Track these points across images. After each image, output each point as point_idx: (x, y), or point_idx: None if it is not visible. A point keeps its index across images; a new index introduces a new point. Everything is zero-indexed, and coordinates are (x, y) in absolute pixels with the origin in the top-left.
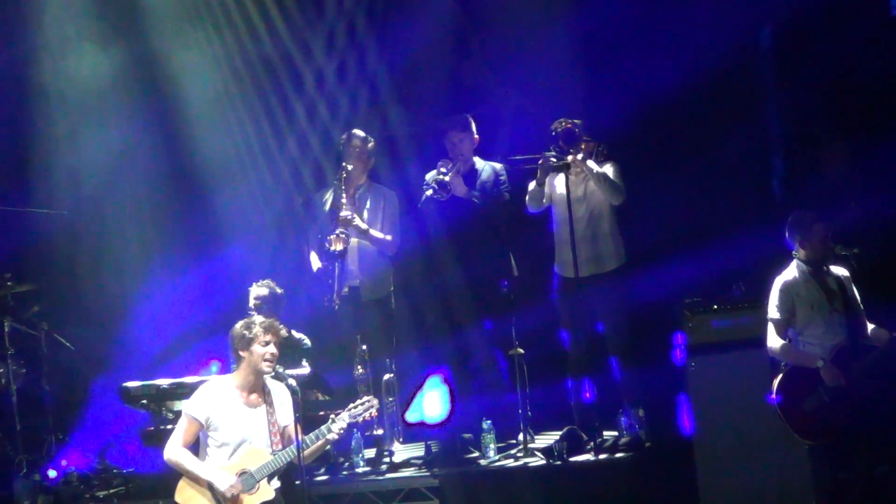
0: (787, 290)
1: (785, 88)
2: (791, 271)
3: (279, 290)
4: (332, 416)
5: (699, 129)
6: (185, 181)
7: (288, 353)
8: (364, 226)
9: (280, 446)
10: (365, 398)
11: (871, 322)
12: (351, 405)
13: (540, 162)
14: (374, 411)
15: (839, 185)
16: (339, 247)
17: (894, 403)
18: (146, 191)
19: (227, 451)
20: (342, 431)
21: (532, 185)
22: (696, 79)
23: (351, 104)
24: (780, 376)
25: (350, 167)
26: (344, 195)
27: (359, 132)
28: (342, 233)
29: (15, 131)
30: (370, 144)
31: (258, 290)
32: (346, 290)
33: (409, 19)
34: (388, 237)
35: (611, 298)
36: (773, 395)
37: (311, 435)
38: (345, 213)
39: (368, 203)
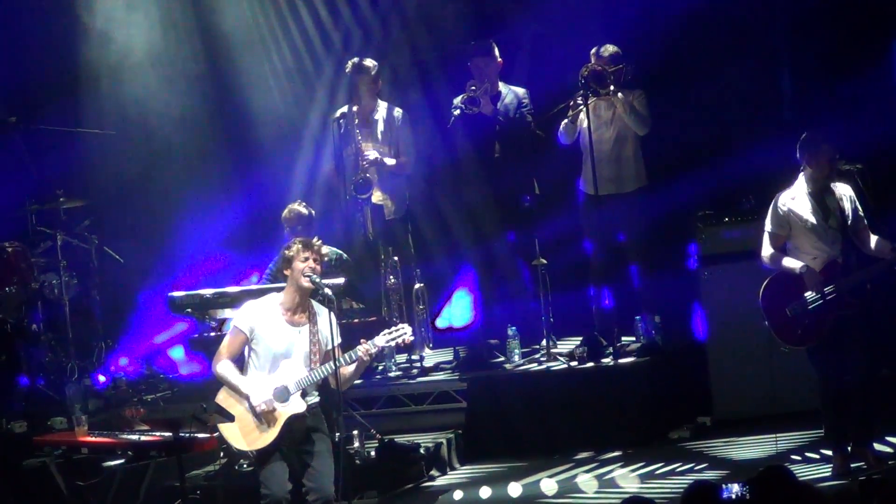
0: (783, 206)
1: (795, 10)
2: (793, 189)
3: (306, 211)
4: (365, 341)
5: (712, 52)
6: (227, 102)
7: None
8: (392, 161)
9: (318, 364)
10: (400, 326)
11: (875, 234)
12: (384, 332)
13: (571, 103)
14: (406, 338)
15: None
16: (364, 195)
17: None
18: (190, 111)
19: (267, 364)
20: (374, 355)
21: (564, 122)
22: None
23: (382, 30)
24: (766, 281)
25: (356, 108)
26: (359, 134)
27: (364, 63)
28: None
29: (65, 57)
30: (373, 71)
31: (286, 214)
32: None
33: None
34: (405, 159)
35: (631, 213)
36: (759, 299)
37: (346, 355)
38: (372, 154)
39: (381, 126)
